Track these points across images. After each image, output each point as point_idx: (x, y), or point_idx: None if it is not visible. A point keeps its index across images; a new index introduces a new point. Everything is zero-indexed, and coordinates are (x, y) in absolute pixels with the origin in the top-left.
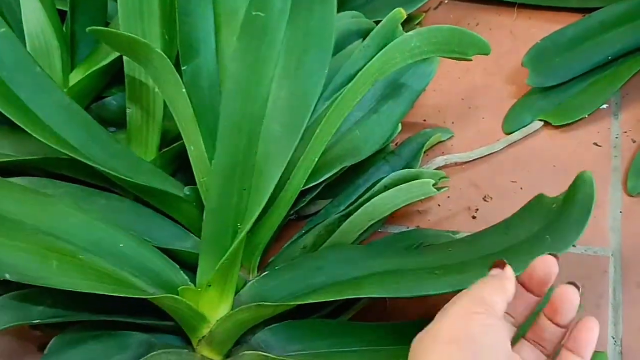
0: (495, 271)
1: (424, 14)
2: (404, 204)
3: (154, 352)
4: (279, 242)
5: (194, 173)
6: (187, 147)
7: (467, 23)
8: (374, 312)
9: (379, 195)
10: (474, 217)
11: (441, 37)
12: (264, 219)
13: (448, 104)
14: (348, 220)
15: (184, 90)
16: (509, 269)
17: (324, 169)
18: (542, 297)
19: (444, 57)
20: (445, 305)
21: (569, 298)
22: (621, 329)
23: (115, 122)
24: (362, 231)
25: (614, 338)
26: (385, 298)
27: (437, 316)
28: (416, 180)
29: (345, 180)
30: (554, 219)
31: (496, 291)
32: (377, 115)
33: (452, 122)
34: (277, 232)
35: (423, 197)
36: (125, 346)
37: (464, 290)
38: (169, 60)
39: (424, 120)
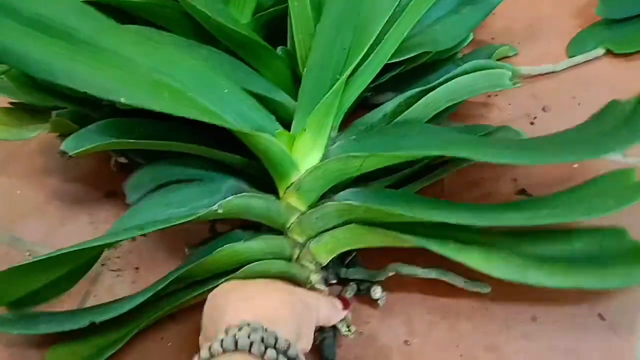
0: (337, 302)
1: None
2: (481, 91)
3: (243, 193)
4: (354, 115)
5: (294, 31)
6: (290, 4)
7: None
8: (430, 194)
9: (461, 77)
10: (532, 124)
11: None
12: (355, 77)
13: (516, 27)
14: (430, 94)
15: None
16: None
17: (406, 51)
18: None
19: None
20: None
21: None
22: None
23: None
24: (438, 110)
25: None
26: (443, 180)
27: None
28: (494, 69)
29: (415, 77)
30: (629, 116)
31: (327, 308)
32: (457, 16)
33: (518, 43)
34: (357, 102)
35: (499, 89)
36: (217, 190)
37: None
38: None
39: (492, 38)
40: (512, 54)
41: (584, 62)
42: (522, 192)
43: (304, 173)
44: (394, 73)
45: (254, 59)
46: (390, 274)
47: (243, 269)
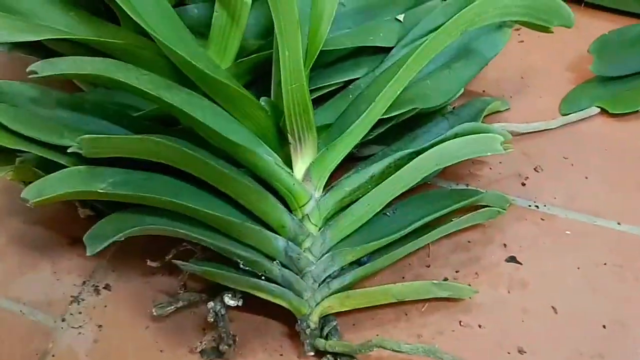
0: None
1: None
2: (471, 156)
3: None
4: (337, 172)
5: (282, 81)
6: (280, 54)
7: None
8: (415, 258)
9: (451, 141)
10: (523, 185)
11: (531, 1)
12: (345, 135)
13: (507, 79)
14: (419, 157)
15: None
16: None
17: (396, 107)
18: None
19: (527, 22)
20: None
21: None
22: None
23: (192, 30)
24: (427, 173)
25: None
26: (429, 243)
27: None
28: (486, 134)
29: (401, 131)
30: None
31: None
32: (449, 71)
33: (510, 97)
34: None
35: (489, 154)
36: None
37: None
38: None
39: (483, 90)
40: (504, 109)
41: (578, 120)
42: (512, 259)
43: None
44: (381, 130)
45: (234, 108)
46: (374, 350)
47: None
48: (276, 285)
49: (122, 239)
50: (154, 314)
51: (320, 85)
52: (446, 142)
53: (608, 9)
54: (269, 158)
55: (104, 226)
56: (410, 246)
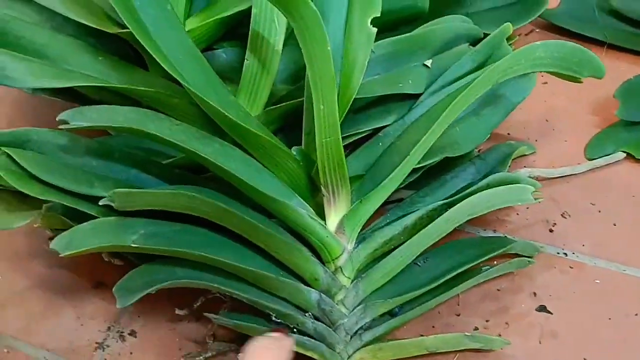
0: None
1: (518, 36)
2: (502, 205)
3: None
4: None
5: (317, 133)
6: (315, 106)
7: None
8: (445, 307)
9: (483, 192)
10: (551, 231)
11: (563, 53)
12: (382, 186)
13: (532, 122)
14: (452, 209)
15: (328, 47)
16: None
17: (426, 157)
18: None
19: (557, 73)
20: None
21: None
22: None
23: (220, 76)
24: (459, 224)
25: None
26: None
27: None
28: (517, 184)
29: (429, 176)
30: None
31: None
32: (477, 117)
33: (536, 140)
34: None
35: (520, 203)
36: None
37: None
38: (320, 16)
39: (508, 134)
40: (530, 153)
41: (604, 165)
42: (543, 308)
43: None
44: (412, 179)
45: (265, 158)
46: None
47: None
48: (309, 338)
49: (154, 291)
50: None
51: (349, 133)
52: (478, 194)
53: (631, 51)
54: (302, 210)
55: (134, 277)
56: (442, 297)
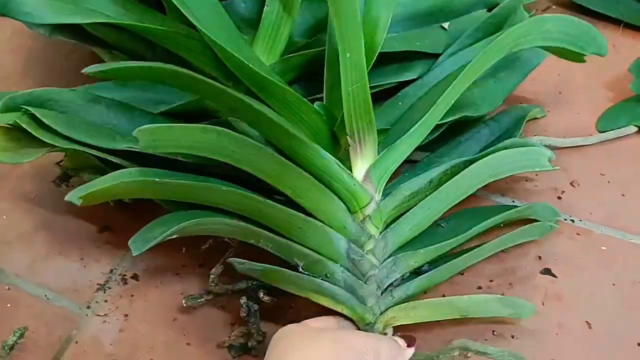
0: (400, 341)
1: (534, 11)
2: (521, 170)
3: None
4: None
5: (343, 81)
6: (341, 55)
7: None
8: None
9: (503, 152)
10: (559, 198)
11: (571, 28)
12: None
13: (546, 94)
14: (473, 165)
15: None
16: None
17: (447, 115)
18: None
19: (563, 50)
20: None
21: None
22: None
23: (238, 25)
24: (481, 184)
25: None
26: None
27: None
28: (534, 147)
29: (445, 138)
30: None
31: (391, 357)
32: (494, 80)
33: (548, 111)
34: None
35: (537, 169)
36: None
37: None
38: None
39: (521, 103)
40: (541, 116)
41: (615, 138)
42: (547, 271)
43: None
44: (429, 139)
45: (288, 112)
46: (456, 353)
47: None
48: (340, 289)
49: (174, 236)
50: (184, 304)
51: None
52: (497, 153)
53: None
54: (330, 157)
55: (151, 229)
56: (469, 257)
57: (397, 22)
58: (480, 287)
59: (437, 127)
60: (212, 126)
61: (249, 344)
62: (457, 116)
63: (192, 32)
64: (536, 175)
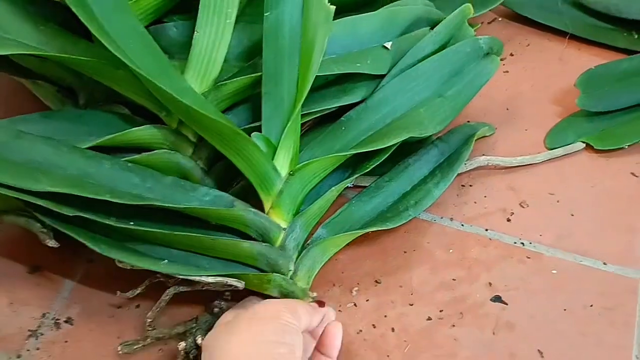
0: (314, 304)
1: (480, 24)
2: None
3: None
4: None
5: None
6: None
7: (519, 42)
8: (400, 294)
9: None
10: (508, 220)
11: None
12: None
13: (493, 110)
14: None
15: None
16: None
17: (392, 136)
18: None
19: None
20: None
21: (334, 334)
22: None
23: (170, 50)
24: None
25: (637, 358)
26: (411, 281)
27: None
28: None
29: (392, 160)
30: None
31: (307, 314)
32: (442, 99)
33: (496, 128)
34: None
35: None
36: None
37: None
38: None
39: (468, 120)
40: (490, 134)
41: (564, 155)
42: (498, 298)
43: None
44: (376, 164)
45: (216, 140)
46: None
47: None
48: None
49: None
50: (120, 352)
51: (309, 111)
52: None
53: (593, 43)
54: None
55: None
56: None
57: (335, 42)
58: (430, 318)
59: (384, 150)
60: None
61: None
62: (403, 137)
63: (119, 62)
64: (485, 197)
